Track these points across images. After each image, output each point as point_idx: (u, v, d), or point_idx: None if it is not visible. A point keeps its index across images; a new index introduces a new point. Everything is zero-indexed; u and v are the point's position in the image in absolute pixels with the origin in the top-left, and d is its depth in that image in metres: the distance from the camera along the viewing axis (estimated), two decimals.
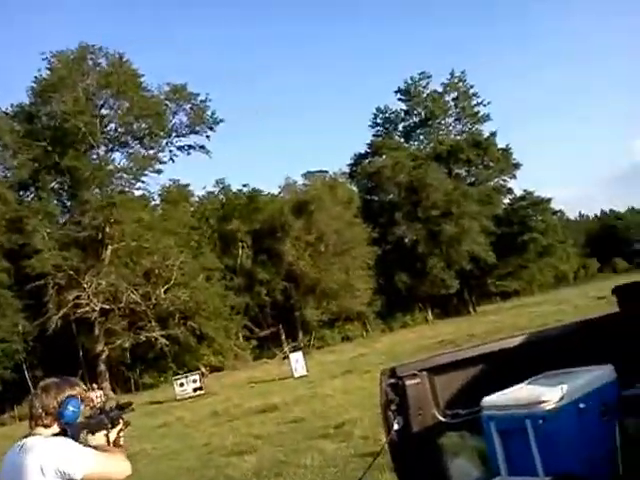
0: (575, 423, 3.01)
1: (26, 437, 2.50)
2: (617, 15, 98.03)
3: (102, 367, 37.77)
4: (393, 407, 3.85)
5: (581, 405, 3.10)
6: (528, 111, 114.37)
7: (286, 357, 28.32)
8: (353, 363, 24.20)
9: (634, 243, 72.86)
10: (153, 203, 45.17)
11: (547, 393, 3.16)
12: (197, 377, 26.51)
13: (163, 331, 37.86)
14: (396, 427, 3.82)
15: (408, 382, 3.82)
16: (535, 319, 26.39)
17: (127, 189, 42.42)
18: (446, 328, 34.88)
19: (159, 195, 45.22)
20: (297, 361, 24.19)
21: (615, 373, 3.43)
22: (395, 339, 35.43)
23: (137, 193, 43.24)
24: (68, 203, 43.39)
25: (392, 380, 3.87)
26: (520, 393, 3.32)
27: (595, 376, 3.37)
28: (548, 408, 3.08)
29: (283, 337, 45.29)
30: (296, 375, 23.16)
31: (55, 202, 42.52)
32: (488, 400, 3.36)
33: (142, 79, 42.35)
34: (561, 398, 3.11)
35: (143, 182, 43.08)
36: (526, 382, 3.46)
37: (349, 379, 18.36)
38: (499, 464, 3.22)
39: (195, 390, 25.33)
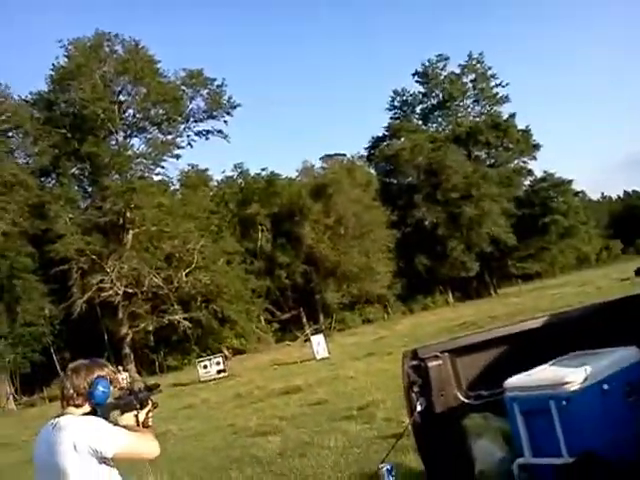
0: (599, 404, 3.01)
1: (58, 416, 2.56)
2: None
3: (127, 350, 38.37)
4: (416, 389, 3.88)
5: (605, 386, 3.09)
6: (548, 94, 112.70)
7: (307, 339, 28.51)
8: (374, 345, 24.23)
9: None
10: (172, 188, 45.50)
11: (571, 374, 3.15)
12: (220, 359, 26.75)
13: (185, 314, 38.25)
14: (419, 408, 3.86)
15: (430, 363, 3.85)
16: (557, 301, 26.13)
17: (146, 174, 42.74)
18: (467, 310, 34.72)
19: (178, 180, 45.61)
20: (319, 343, 24.29)
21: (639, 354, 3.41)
22: (416, 321, 35.39)
23: (156, 178, 43.63)
24: (89, 189, 43.88)
25: (414, 362, 3.89)
26: (544, 374, 3.32)
27: (619, 357, 3.35)
28: (572, 389, 3.08)
29: (304, 320, 45.49)
30: (318, 357, 23.25)
31: (76, 188, 42.98)
32: (511, 381, 3.37)
33: (158, 65, 42.48)
34: (585, 379, 3.10)
35: (162, 167, 43.44)
36: (550, 363, 3.46)
37: (371, 361, 18.39)
38: (522, 445, 3.24)
39: (219, 372, 25.57)
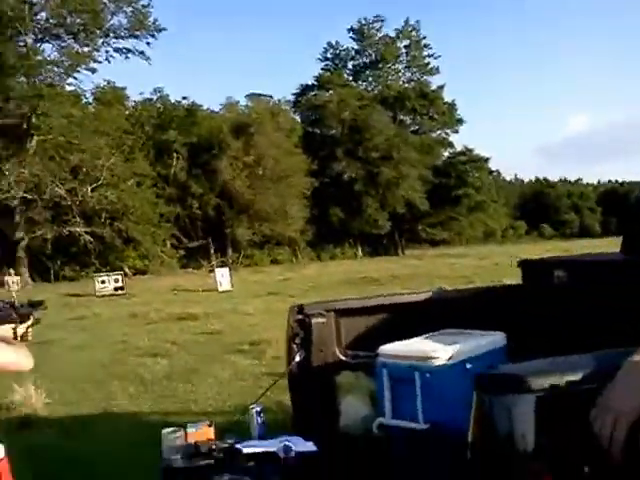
0: (459, 381, 3.19)
1: None
2: None
3: (21, 253, 36.65)
4: (297, 341, 4.03)
5: (468, 366, 3.31)
6: (478, 68, 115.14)
7: (212, 270, 28.43)
8: (278, 286, 24.54)
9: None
10: (85, 101, 42.68)
11: (439, 350, 3.34)
12: (119, 277, 26.26)
13: (88, 228, 36.97)
14: (297, 359, 4.01)
15: (314, 320, 3.99)
16: (455, 269, 27.56)
17: (57, 82, 39.60)
18: (372, 266, 35.80)
19: (92, 94, 42.79)
20: (223, 275, 24.30)
21: (505, 341, 3.68)
22: (322, 269, 36.08)
23: (68, 88, 40.60)
24: None
25: (299, 316, 4.03)
26: (415, 346, 3.50)
27: (487, 341, 3.58)
28: (437, 364, 3.27)
29: (212, 251, 45.20)
30: (220, 289, 23.27)
31: None
32: (385, 348, 3.53)
33: None
34: (450, 357, 3.31)
35: (75, 78, 40.55)
36: (423, 336, 3.65)
37: (271, 300, 18.64)
38: (385, 407, 3.43)
39: (116, 289, 25.13)
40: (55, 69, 39.56)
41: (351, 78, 61.77)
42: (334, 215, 52.30)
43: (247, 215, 45.62)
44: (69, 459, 5.41)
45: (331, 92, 56.36)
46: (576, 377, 2.05)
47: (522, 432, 2.05)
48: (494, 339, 3.63)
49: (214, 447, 3.09)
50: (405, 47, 61.30)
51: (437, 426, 3.12)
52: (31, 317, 2.74)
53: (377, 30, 60.18)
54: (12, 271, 28.31)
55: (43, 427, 6.48)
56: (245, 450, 3.04)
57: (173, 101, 48.12)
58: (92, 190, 37.09)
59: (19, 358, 2.55)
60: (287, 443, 3.04)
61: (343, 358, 4.07)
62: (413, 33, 60.70)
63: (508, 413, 2.10)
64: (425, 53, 61.11)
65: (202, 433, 3.26)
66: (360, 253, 55.06)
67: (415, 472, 2.87)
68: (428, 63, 61.19)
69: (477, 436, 2.09)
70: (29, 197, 35.89)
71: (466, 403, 2.99)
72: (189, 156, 44.89)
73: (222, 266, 29.38)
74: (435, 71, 61.01)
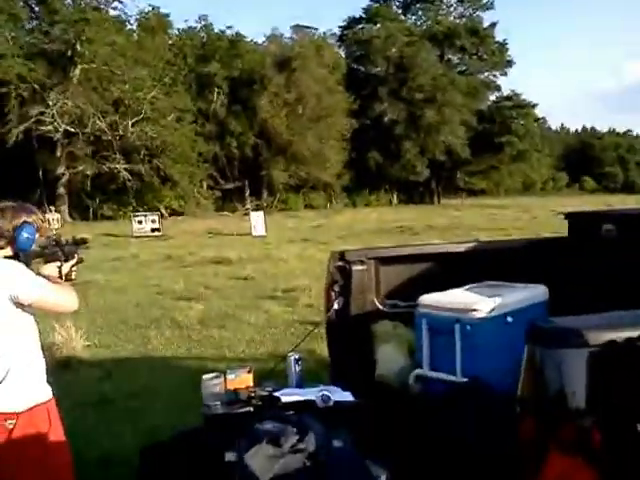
0: (499, 335, 3.17)
1: None
2: None
3: (62, 190, 37.37)
4: (337, 288, 4.00)
5: (509, 319, 3.25)
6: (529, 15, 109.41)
7: (247, 214, 28.56)
8: (312, 232, 24.53)
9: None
10: (129, 27, 42.32)
11: (480, 302, 3.28)
12: (156, 217, 26.54)
13: (127, 165, 37.31)
14: (336, 307, 4.00)
15: (355, 267, 3.95)
16: (493, 221, 27.10)
17: (102, 6, 39.19)
18: (408, 214, 35.42)
19: (136, 20, 42.31)
20: (257, 220, 24.36)
21: (547, 294, 3.58)
22: (357, 216, 35.82)
23: (112, 13, 40.18)
24: (36, 9, 39.51)
25: (340, 263, 3.98)
26: (455, 297, 3.44)
27: (529, 294, 3.51)
28: (478, 316, 3.22)
29: (247, 194, 45.35)
30: (254, 234, 23.35)
31: (21, 4, 38.46)
32: (425, 298, 3.48)
33: None
34: (492, 309, 3.24)
35: (120, 2, 40.03)
36: (464, 288, 3.58)
37: (305, 246, 18.65)
38: (423, 359, 3.41)
39: (153, 230, 25.44)
40: None
41: (400, 12, 59.61)
42: (372, 159, 51.45)
43: (284, 157, 45.32)
44: (108, 400, 5.53)
45: (379, 26, 54.48)
46: (635, 333, 1.97)
47: (573, 387, 1.99)
48: (536, 292, 3.54)
49: (253, 395, 3.12)
50: None
51: (476, 379, 3.09)
52: (75, 256, 2.75)
53: None
54: (52, 208, 28.91)
55: (83, 368, 6.63)
56: (284, 399, 3.07)
57: (217, 31, 47.44)
58: (133, 124, 37.21)
59: (65, 299, 2.60)
60: (325, 392, 3.04)
61: (382, 307, 4.04)
62: None
63: (560, 367, 2.05)
64: None
65: (241, 380, 3.29)
66: (395, 200, 54.55)
67: (451, 424, 2.86)
68: None
69: (526, 390, 2.05)
70: (72, 130, 36.13)
71: (507, 357, 2.95)
72: (230, 91, 44.36)
73: (257, 210, 29.47)
74: (490, 6, 58.16)
